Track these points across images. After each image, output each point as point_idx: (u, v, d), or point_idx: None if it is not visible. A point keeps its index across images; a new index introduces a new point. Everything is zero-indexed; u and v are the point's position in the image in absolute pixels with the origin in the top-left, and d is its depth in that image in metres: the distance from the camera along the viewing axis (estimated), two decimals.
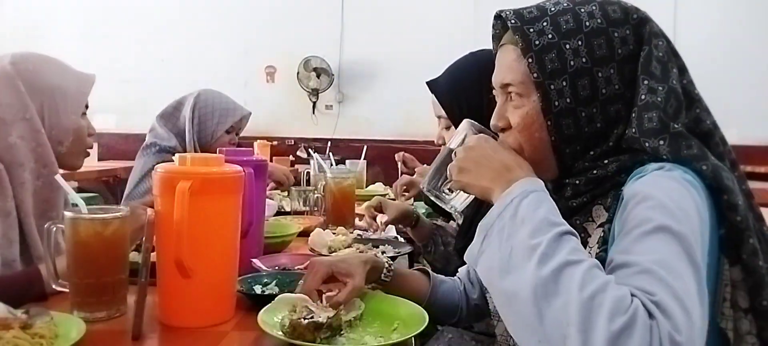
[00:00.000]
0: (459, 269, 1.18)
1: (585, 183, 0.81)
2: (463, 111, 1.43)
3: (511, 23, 0.81)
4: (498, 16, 0.88)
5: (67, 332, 0.84)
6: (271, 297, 1.02)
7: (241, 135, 2.29)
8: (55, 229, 0.98)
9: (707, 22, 4.43)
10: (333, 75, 4.74)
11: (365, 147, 2.85)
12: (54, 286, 0.99)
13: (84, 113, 1.28)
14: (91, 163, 3.98)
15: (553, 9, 0.81)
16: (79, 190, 1.30)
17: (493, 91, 0.89)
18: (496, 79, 0.87)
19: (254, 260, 1.25)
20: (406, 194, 2.30)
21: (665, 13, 4.36)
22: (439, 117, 1.51)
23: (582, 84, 0.78)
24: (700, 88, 0.83)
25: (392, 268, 1.09)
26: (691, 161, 0.73)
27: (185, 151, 2.07)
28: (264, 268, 1.23)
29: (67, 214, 0.97)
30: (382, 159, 3.17)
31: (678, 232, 0.65)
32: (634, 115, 0.77)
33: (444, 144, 1.52)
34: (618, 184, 0.77)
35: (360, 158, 2.69)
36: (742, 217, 0.72)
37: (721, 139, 0.81)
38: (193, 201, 0.89)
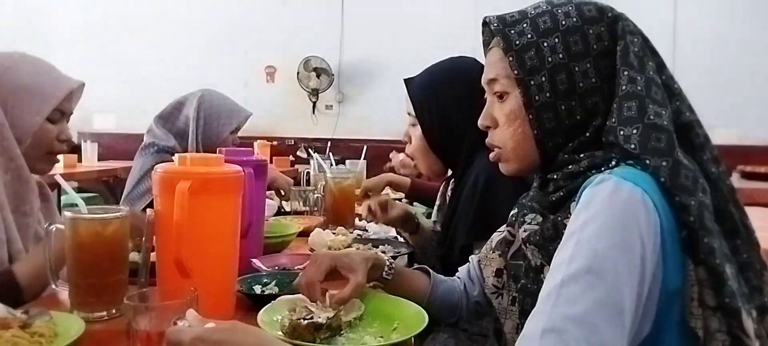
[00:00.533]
0: (459, 268, 1.18)
1: (563, 178, 0.84)
2: (432, 111, 1.45)
3: (494, 27, 0.87)
4: (485, 23, 0.92)
5: (67, 331, 0.84)
6: (271, 297, 1.02)
7: (241, 135, 2.29)
8: (54, 229, 0.98)
9: (707, 23, 4.43)
10: (333, 75, 4.74)
11: (365, 147, 2.84)
12: (54, 286, 0.99)
13: (57, 118, 1.25)
14: (91, 163, 3.98)
15: (532, 12, 0.86)
16: (79, 190, 1.30)
17: (485, 94, 0.94)
18: (484, 78, 0.92)
19: (254, 260, 1.25)
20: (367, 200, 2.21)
21: (665, 13, 4.37)
22: (409, 114, 1.52)
23: (560, 79, 0.82)
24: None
25: (393, 266, 1.09)
26: (652, 156, 0.74)
27: (185, 151, 2.07)
28: (264, 268, 1.23)
29: (67, 214, 0.97)
30: (382, 159, 3.17)
31: (603, 272, 0.67)
32: (615, 106, 0.80)
33: (410, 142, 1.53)
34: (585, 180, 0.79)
35: (360, 158, 2.69)
36: (695, 217, 0.72)
37: (705, 135, 0.82)
38: (193, 201, 0.89)
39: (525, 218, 0.95)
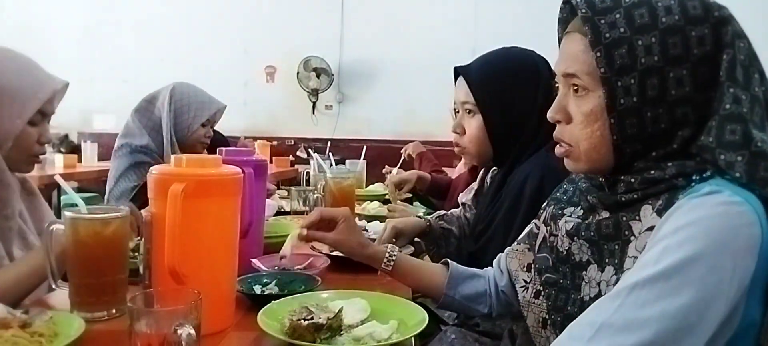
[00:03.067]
0: (493, 261, 1.14)
1: (640, 182, 0.77)
2: (494, 100, 1.38)
3: (582, 12, 0.77)
4: (567, 1, 0.83)
5: (67, 331, 0.84)
6: (271, 297, 1.02)
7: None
8: (54, 229, 0.98)
9: None
10: (333, 75, 4.74)
11: (365, 147, 2.85)
12: (54, 286, 0.99)
13: (38, 120, 1.22)
14: (91, 163, 3.98)
15: (628, 0, 0.76)
16: (79, 190, 1.29)
17: (556, 79, 0.85)
18: (560, 67, 0.83)
19: (254, 260, 1.24)
20: (400, 192, 2.35)
21: None
22: (464, 103, 1.45)
23: (651, 83, 0.74)
24: None
25: (392, 258, 1.11)
26: (764, 186, 0.69)
27: (159, 147, 2.08)
28: (264, 268, 1.23)
29: (67, 214, 0.97)
30: (382, 159, 3.17)
31: (682, 284, 0.63)
32: (713, 123, 0.72)
33: (464, 133, 1.46)
34: (672, 187, 0.74)
35: (360, 158, 2.69)
36: None
37: None
38: (188, 204, 0.85)
39: (563, 211, 0.92)
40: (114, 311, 0.97)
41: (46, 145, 1.27)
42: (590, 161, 0.82)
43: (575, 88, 0.80)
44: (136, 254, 1.10)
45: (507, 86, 1.38)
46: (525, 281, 1.01)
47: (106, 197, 2.11)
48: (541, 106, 1.33)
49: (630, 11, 0.75)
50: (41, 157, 1.28)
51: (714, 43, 0.74)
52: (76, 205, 1.00)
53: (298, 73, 4.71)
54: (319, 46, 4.74)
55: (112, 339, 0.90)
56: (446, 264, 1.15)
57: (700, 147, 0.73)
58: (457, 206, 1.78)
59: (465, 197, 1.73)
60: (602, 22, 0.75)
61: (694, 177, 0.73)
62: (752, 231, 0.66)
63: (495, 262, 1.14)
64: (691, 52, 0.73)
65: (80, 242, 0.96)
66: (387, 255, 1.12)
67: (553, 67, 0.86)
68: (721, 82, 0.73)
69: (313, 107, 4.85)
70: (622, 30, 0.74)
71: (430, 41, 4.52)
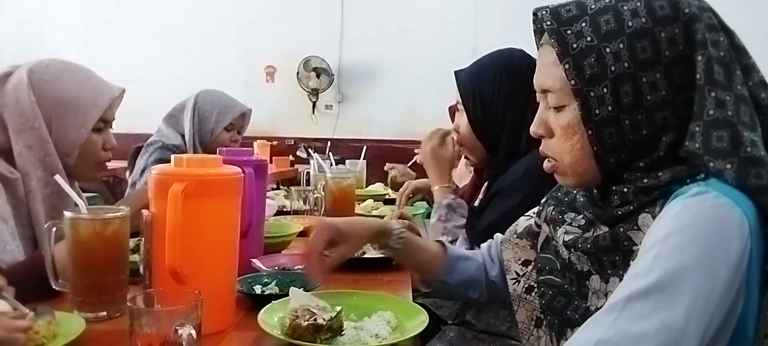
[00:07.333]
0: (482, 245, 1.15)
1: (634, 192, 0.75)
2: (475, 97, 1.48)
3: (547, 25, 0.76)
4: (535, 14, 0.80)
5: (67, 331, 0.84)
6: (271, 297, 1.02)
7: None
8: (54, 229, 0.98)
9: None
10: (333, 75, 4.74)
11: (365, 147, 2.85)
12: (54, 286, 0.99)
13: (101, 127, 1.29)
14: None
15: (593, 6, 0.74)
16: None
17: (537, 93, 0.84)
18: (536, 81, 0.82)
19: (254, 260, 1.25)
20: (411, 200, 2.33)
21: None
22: (457, 102, 1.55)
23: (625, 90, 0.72)
24: None
25: (403, 234, 1.07)
26: (755, 194, 0.66)
27: (189, 151, 2.10)
28: (264, 268, 1.23)
29: (67, 214, 0.97)
30: (382, 159, 3.17)
31: (678, 293, 0.61)
32: (697, 129, 0.69)
33: (458, 131, 1.56)
34: (667, 193, 0.72)
35: (360, 158, 2.69)
36: None
37: None
38: (188, 204, 0.86)
39: (564, 216, 0.89)
40: (115, 310, 0.97)
41: (110, 150, 1.33)
42: (576, 175, 0.80)
43: (551, 102, 0.79)
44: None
45: (485, 84, 1.47)
46: (517, 273, 0.99)
47: (126, 193, 2.15)
48: (522, 99, 1.39)
49: (596, 18, 0.73)
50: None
51: (686, 42, 0.71)
52: (76, 205, 1.00)
53: (298, 73, 4.70)
54: (319, 46, 4.74)
55: (112, 339, 0.90)
56: (441, 244, 1.12)
57: (687, 152, 0.71)
58: None
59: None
60: (569, 32, 0.74)
61: (687, 181, 0.71)
62: (742, 232, 0.64)
63: (485, 247, 1.13)
64: (662, 54, 0.71)
65: (80, 242, 0.96)
66: (397, 231, 1.06)
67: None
68: (700, 85, 0.70)
69: (313, 107, 4.85)
70: (588, 39, 0.73)
71: (430, 41, 4.51)
